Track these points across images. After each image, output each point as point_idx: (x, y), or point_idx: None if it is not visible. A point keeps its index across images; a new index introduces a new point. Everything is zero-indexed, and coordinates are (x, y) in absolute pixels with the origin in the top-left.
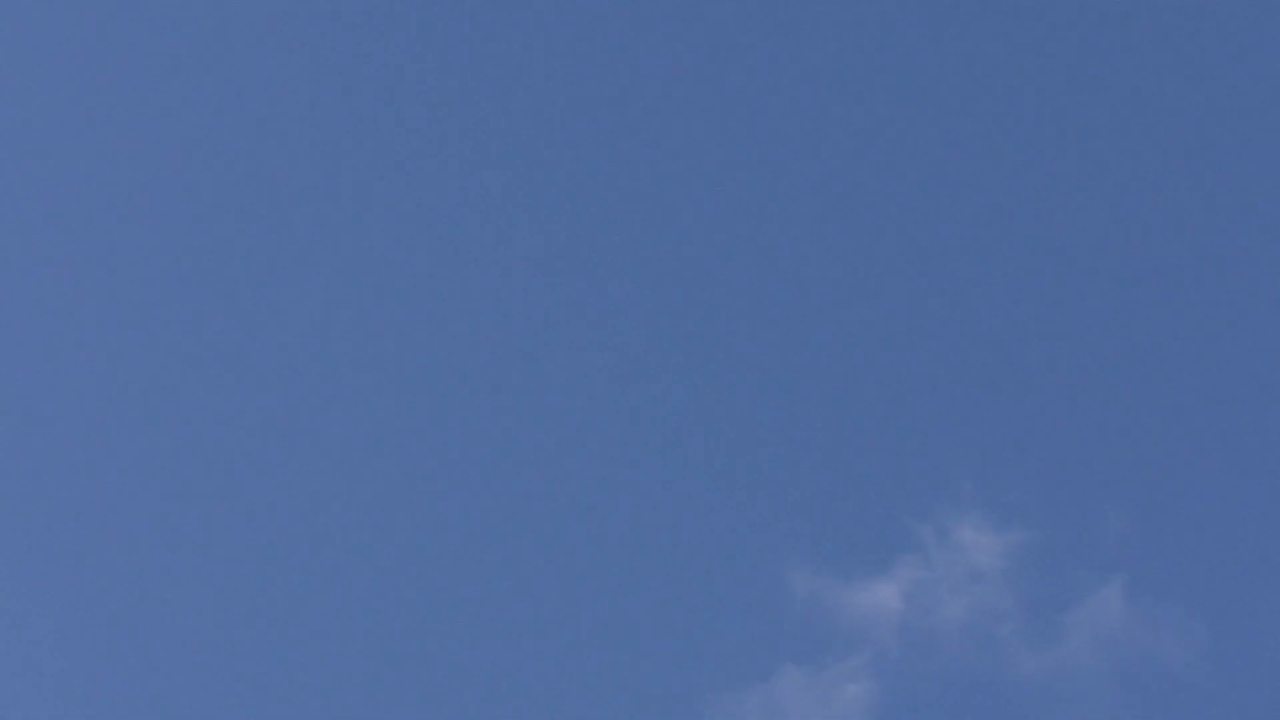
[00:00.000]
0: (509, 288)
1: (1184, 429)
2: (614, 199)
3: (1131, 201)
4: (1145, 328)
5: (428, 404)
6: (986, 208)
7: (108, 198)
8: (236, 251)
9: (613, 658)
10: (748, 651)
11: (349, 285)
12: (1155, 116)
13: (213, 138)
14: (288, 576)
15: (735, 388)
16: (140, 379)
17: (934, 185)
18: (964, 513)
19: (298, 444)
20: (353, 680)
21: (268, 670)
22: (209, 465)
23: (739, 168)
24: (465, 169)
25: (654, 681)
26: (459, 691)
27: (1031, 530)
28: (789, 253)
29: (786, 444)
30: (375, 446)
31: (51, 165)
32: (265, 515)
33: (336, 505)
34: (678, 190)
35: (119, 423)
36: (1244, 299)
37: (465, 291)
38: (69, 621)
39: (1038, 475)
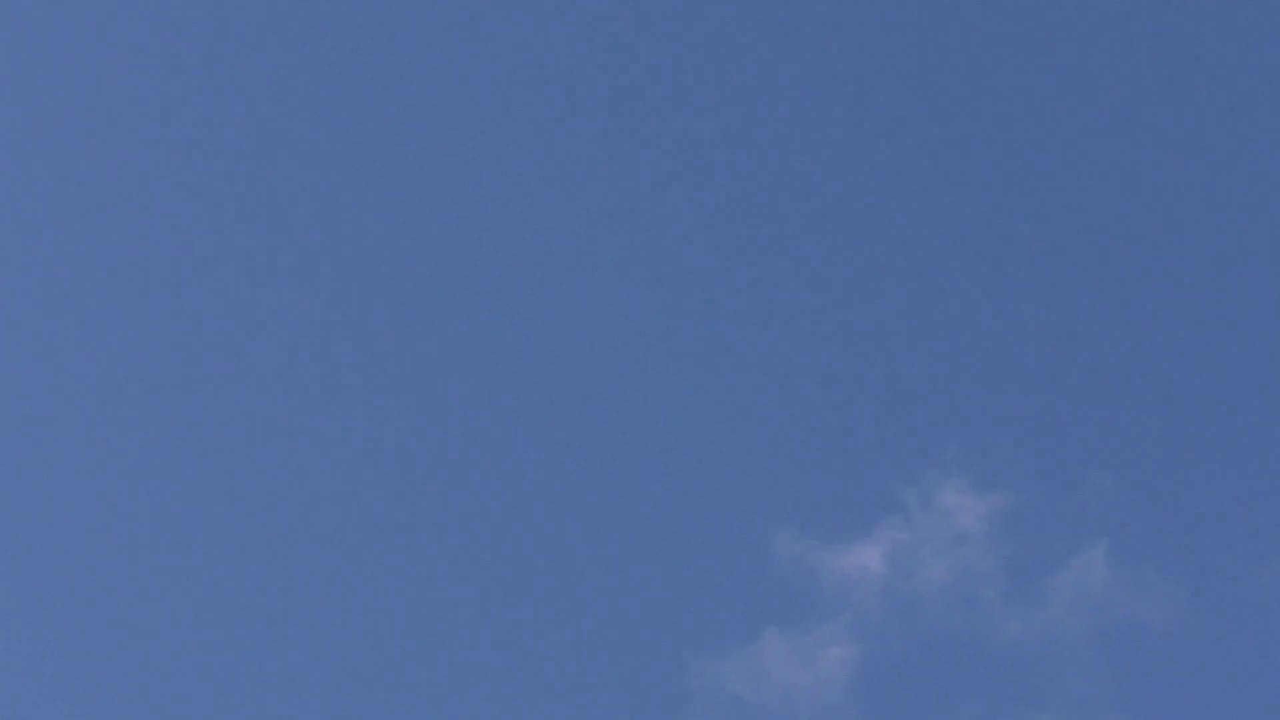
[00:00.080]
0: (485, 251)
1: (1167, 394)
2: (589, 161)
3: (1113, 170)
4: (1129, 293)
5: (404, 363)
6: (968, 177)
7: (108, 198)
8: (236, 251)
9: (596, 622)
10: (731, 615)
11: (347, 284)
12: (1126, 86)
13: (213, 137)
14: (281, 566)
15: (720, 353)
16: (139, 379)
17: (915, 155)
18: (947, 476)
19: (290, 437)
20: (349, 660)
21: (266, 668)
22: (208, 465)
23: (725, 142)
24: (465, 168)
25: (637, 645)
26: (439, 654)
27: (1014, 494)
28: (774, 221)
29: (769, 408)
30: (350, 413)
31: (51, 165)
32: (261, 511)
33: (331, 496)
34: (663, 162)
35: (119, 423)
36: (1227, 266)
37: (436, 259)
38: (69, 621)
39: (1021, 439)
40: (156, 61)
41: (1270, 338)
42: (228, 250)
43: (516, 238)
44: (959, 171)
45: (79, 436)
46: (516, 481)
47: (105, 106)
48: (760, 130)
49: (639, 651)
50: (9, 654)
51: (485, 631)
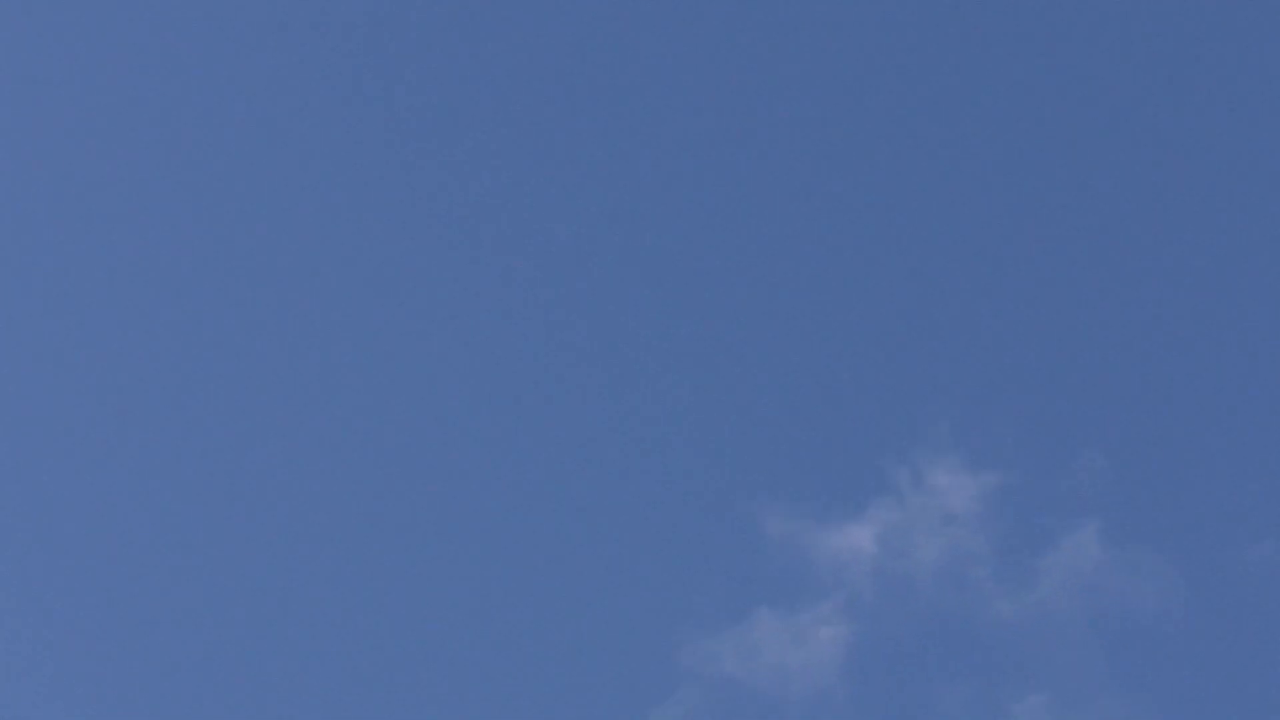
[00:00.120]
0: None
1: (1160, 373)
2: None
3: (1102, 152)
4: (1121, 273)
5: (391, 341)
6: (958, 160)
7: (107, 197)
8: (235, 251)
9: (588, 602)
10: (722, 595)
11: (344, 282)
12: (1110, 74)
13: (212, 137)
14: (273, 553)
15: (711, 333)
16: (139, 378)
17: (904, 138)
18: (939, 455)
19: (283, 427)
20: (344, 651)
21: (265, 664)
22: (207, 464)
23: (716, 124)
24: (464, 168)
25: (628, 625)
26: (429, 635)
27: (1007, 473)
28: (765, 204)
29: (761, 386)
30: (344, 396)
31: (51, 165)
32: (257, 506)
33: (324, 478)
34: (655, 142)
35: (119, 422)
36: (1218, 247)
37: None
38: (69, 621)
39: (1013, 418)
40: (156, 61)
41: (1262, 319)
42: (228, 250)
43: (509, 219)
44: (948, 154)
45: (79, 436)
46: (507, 463)
47: (105, 106)
48: (750, 113)
49: (631, 631)
50: (9, 654)
51: (476, 612)
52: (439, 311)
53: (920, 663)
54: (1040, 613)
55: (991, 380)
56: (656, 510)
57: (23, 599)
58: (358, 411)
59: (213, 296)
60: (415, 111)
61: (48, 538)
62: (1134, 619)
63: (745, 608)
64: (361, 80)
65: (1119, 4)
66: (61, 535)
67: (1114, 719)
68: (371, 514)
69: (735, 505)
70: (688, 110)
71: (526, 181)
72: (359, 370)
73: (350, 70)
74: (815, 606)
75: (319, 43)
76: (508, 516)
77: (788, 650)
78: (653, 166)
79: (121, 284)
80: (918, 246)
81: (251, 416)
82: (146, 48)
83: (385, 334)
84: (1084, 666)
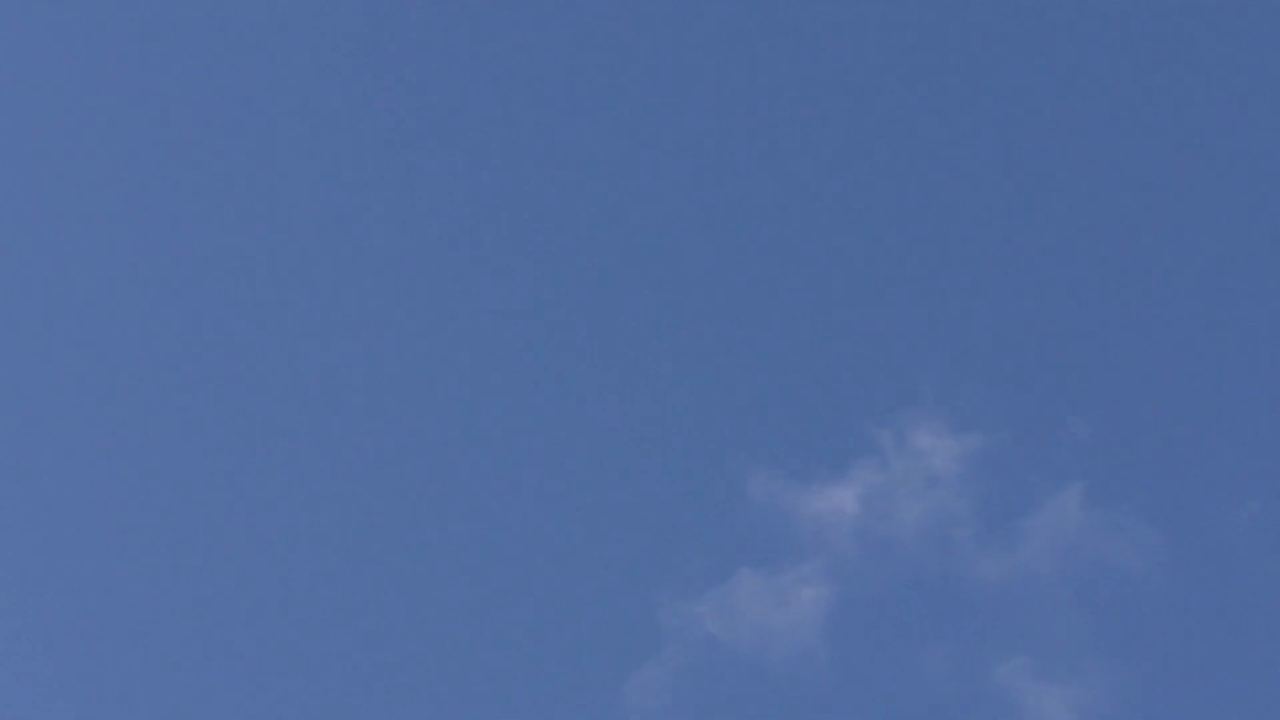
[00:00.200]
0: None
1: (1144, 336)
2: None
3: (1088, 120)
4: (1106, 235)
5: (369, 303)
6: (943, 125)
7: (107, 197)
8: (235, 251)
9: (570, 562)
10: (704, 555)
11: (339, 282)
12: (1101, 50)
13: (212, 137)
14: (265, 537)
15: (695, 295)
16: (138, 378)
17: (888, 104)
18: (922, 417)
19: (274, 417)
20: (338, 636)
21: (257, 655)
22: (205, 463)
23: (699, 94)
24: (463, 168)
25: (610, 585)
26: (408, 599)
27: (989, 435)
28: (751, 167)
29: (744, 348)
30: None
31: (51, 165)
32: (250, 498)
33: (307, 452)
34: (640, 107)
35: (118, 422)
36: (1201, 213)
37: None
38: (69, 621)
39: (996, 380)
40: (156, 61)
41: (1245, 283)
42: (227, 249)
43: (491, 199)
44: (934, 120)
45: (78, 436)
46: (490, 428)
47: (105, 106)
48: (735, 84)
49: (612, 591)
50: (9, 654)
51: (458, 575)
52: (417, 271)
53: (902, 624)
54: (1023, 575)
55: (975, 343)
56: (639, 472)
57: (23, 599)
58: (340, 373)
59: (212, 295)
60: (415, 112)
61: (48, 538)
62: (1117, 581)
63: (727, 569)
64: (361, 80)
65: None
66: (61, 535)
67: (1096, 681)
68: (353, 479)
69: (718, 466)
70: (672, 78)
71: (507, 149)
72: (340, 330)
73: (350, 70)
74: (797, 568)
75: (319, 43)
76: (490, 480)
77: (770, 611)
78: (641, 137)
79: (121, 284)
80: (902, 211)
81: (249, 414)
82: (147, 47)
83: (368, 299)
84: (1066, 628)
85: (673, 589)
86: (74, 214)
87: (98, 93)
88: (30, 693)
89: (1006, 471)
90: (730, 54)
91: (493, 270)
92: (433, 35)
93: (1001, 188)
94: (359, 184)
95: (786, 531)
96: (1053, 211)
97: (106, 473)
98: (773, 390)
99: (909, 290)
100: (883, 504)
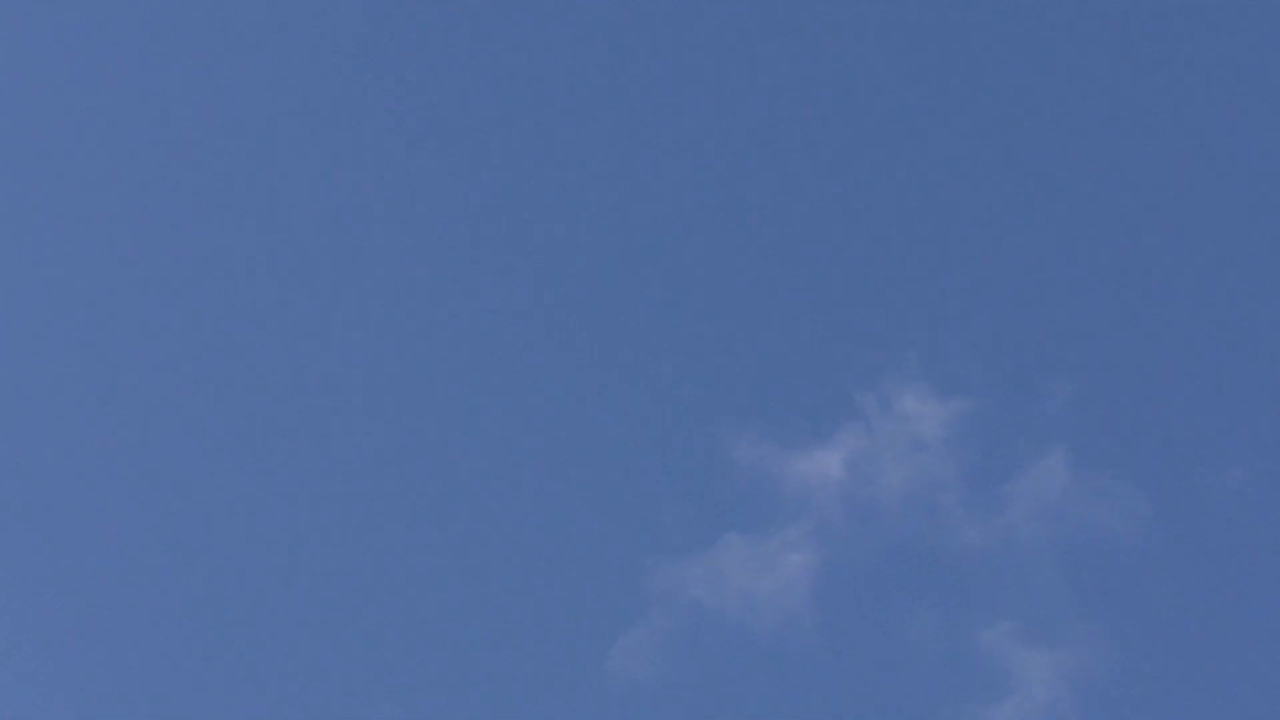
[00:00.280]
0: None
1: (1129, 301)
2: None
3: (1077, 81)
4: (1091, 199)
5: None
6: (931, 89)
7: (107, 197)
8: (235, 251)
9: (556, 527)
10: (690, 520)
11: (336, 280)
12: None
13: (211, 137)
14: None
15: (680, 257)
16: (137, 378)
17: (877, 70)
18: (907, 382)
19: (264, 405)
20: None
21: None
22: (202, 462)
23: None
24: (460, 168)
25: (596, 550)
26: (394, 567)
27: (975, 400)
28: (739, 133)
29: (730, 312)
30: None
31: (52, 165)
32: (242, 489)
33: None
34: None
35: (118, 422)
36: (1188, 177)
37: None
38: (69, 621)
39: (982, 345)
40: (156, 61)
41: (1231, 248)
42: (227, 249)
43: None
44: (916, 87)
45: (78, 436)
46: (475, 392)
47: (105, 107)
48: (723, 56)
49: (598, 556)
50: (9, 654)
51: (444, 540)
52: (400, 234)
53: (888, 589)
54: (1008, 539)
55: (960, 307)
56: (625, 436)
57: (23, 599)
58: (321, 336)
59: (212, 295)
60: (415, 112)
61: (47, 538)
62: (1101, 545)
63: (713, 533)
64: (361, 80)
65: None
66: (61, 535)
67: (1081, 645)
68: (337, 450)
69: (704, 431)
70: (654, 45)
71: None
72: (319, 307)
73: (350, 70)
74: (783, 532)
75: (319, 43)
76: (475, 446)
77: (755, 576)
78: (631, 108)
79: (121, 284)
80: (888, 176)
81: (246, 413)
82: (147, 47)
83: (349, 276)
84: (1051, 593)
85: (658, 554)
86: (74, 214)
87: (98, 93)
88: (30, 693)
89: (992, 436)
90: (715, 26)
91: (478, 239)
92: (433, 35)
93: (985, 153)
94: (358, 183)
95: (772, 496)
96: (1037, 176)
97: (106, 473)
98: (758, 355)
99: (894, 255)
100: (868, 469)
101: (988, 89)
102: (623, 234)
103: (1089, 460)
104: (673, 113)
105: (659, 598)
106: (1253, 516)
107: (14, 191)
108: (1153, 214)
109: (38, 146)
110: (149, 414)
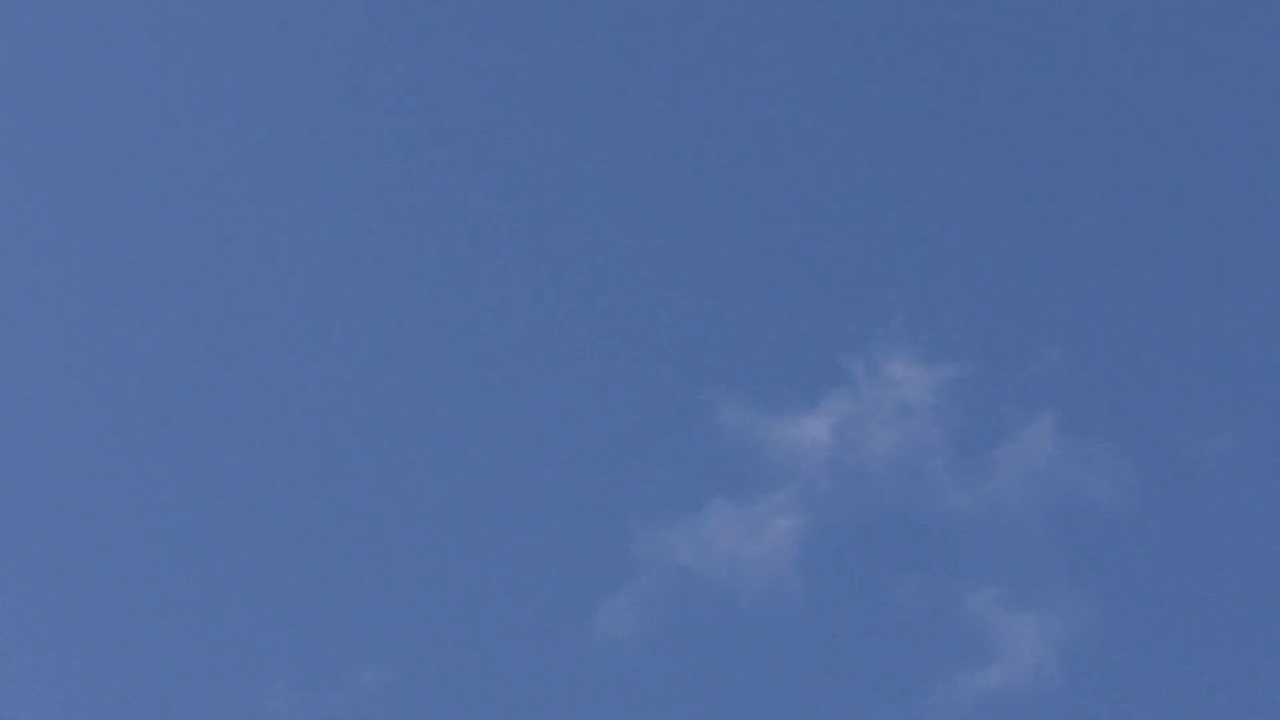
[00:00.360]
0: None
1: (1116, 266)
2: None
3: (1065, 52)
4: (1078, 165)
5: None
6: (920, 58)
7: (107, 197)
8: (234, 251)
9: (543, 491)
10: (677, 485)
11: (334, 279)
12: None
13: (211, 137)
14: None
15: (668, 223)
16: (137, 378)
17: (863, 31)
18: (894, 347)
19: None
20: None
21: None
22: (201, 462)
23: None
24: (464, 167)
25: (583, 515)
26: (385, 532)
27: (962, 365)
28: (725, 94)
29: (718, 278)
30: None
31: (52, 165)
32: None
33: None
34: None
35: (117, 422)
36: (1175, 134)
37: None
38: (69, 621)
39: (969, 310)
40: (156, 61)
41: (1219, 214)
42: (226, 249)
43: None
44: (907, 53)
45: (78, 436)
46: (463, 358)
47: (105, 107)
48: (712, 34)
49: (585, 521)
50: (9, 654)
51: (431, 503)
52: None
53: (875, 554)
54: (995, 505)
55: (948, 273)
56: (612, 401)
57: (23, 599)
58: (304, 312)
59: (211, 294)
60: (415, 112)
61: (47, 538)
62: (1088, 511)
63: (700, 498)
64: (361, 80)
65: None
66: (61, 535)
67: (1067, 610)
68: (328, 423)
69: (690, 396)
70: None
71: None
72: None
73: (350, 70)
74: (770, 497)
75: (319, 43)
76: (462, 410)
77: (742, 541)
78: (618, 74)
79: (121, 283)
80: (876, 142)
81: (245, 412)
82: (147, 47)
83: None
84: (1038, 558)
85: (645, 519)
86: (75, 214)
87: (98, 93)
88: (30, 693)
89: (979, 401)
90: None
91: (467, 208)
92: (433, 35)
93: (973, 120)
94: (357, 183)
95: (759, 461)
96: (1025, 142)
97: (106, 472)
98: (746, 320)
99: (882, 220)
100: (855, 434)
101: (973, 56)
102: (610, 203)
103: (1076, 426)
104: (661, 82)
105: (646, 562)
106: (1239, 482)
107: (14, 191)
108: (1140, 181)
109: (38, 146)
110: (149, 413)
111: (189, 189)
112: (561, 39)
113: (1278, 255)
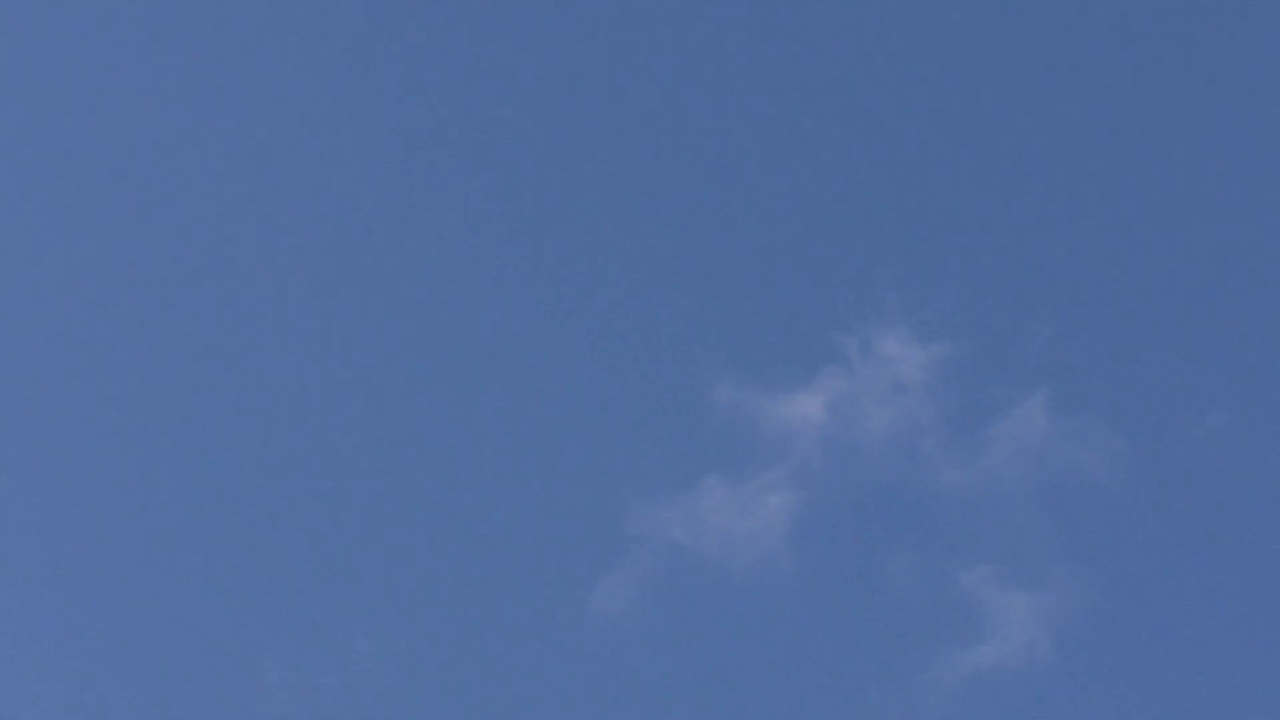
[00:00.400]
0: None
1: (1107, 242)
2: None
3: (1063, 26)
4: (1069, 141)
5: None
6: (915, 35)
7: (108, 197)
8: (234, 251)
9: (536, 468)
10: (670, 462)
11: (332, 279)
12: None
13: (211, 137)
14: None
15: (661, 201)
16: (137, 378)
17: (860, 15)
18: (888, 325)
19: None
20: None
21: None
22: (200, 461)
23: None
24: (457, 168)
25: (576, 492)
26: (380, 511)
27: (955, 343)
28: (722, 76)
29: (711, 255)
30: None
31: (53, 165)
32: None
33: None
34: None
35: (117, 422)
36: (1168, 115)
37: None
38: (68, 621)
39: (962, 288)
40: (156, 61)
41: (1213, 191)
42: (226, 248)
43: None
44: (901, 30)
45: (78, 436)
46: (457, 337)
47: (105, 107)
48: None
49: (578, 498)
50: (9, 654)
51: (425, 480)
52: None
53: (868, 532)
54: (988, 482)
55: (941, 251)
56: (606, 379)
57: (23, 599)
58: (301, 298)
59: (211, 293)
60: (415, 112)
61: (47, 538)
62: (1081, 488)
63: (693, 476)
64: (361, 80)
65: None
66: (61, 535)
67: (1061, 587)
68: (324, 402)
69: (685, 373)
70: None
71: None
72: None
73: (350, 70)
74: (763, 475)
75: (319, 43)
76: (457, 388)
77: (735, 518)
78: (612, 61)
79: (121, 283)
80: (869, 120)
81: (244, 412)
82: (147, 47)
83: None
84: (1031, 536)
85: (639, 496)
86: (75, 214)
87: (98, 93)
88: (30, 692)
89: (972, 379)
90: None
91: (462, 191)
92: (433, 35)
93: (967, 98)
94: (356, 182)
95: (752, 439)
96: (1017, 120)
97: (105, 473)
98: (740, 298)
99: (875, 198)
100: (849, 411)
101: (968, 35)
102: (604, 185)
103: (1069, 404)
104: (655, 64)
105: (639, 539)
106: (1231, 459)
107: (14, 191)
108: (1133, 160)
109: (38, 146)
110: (149, 413)
111: (189, 189)
112: (562, 39)
113: (1269, 234)
